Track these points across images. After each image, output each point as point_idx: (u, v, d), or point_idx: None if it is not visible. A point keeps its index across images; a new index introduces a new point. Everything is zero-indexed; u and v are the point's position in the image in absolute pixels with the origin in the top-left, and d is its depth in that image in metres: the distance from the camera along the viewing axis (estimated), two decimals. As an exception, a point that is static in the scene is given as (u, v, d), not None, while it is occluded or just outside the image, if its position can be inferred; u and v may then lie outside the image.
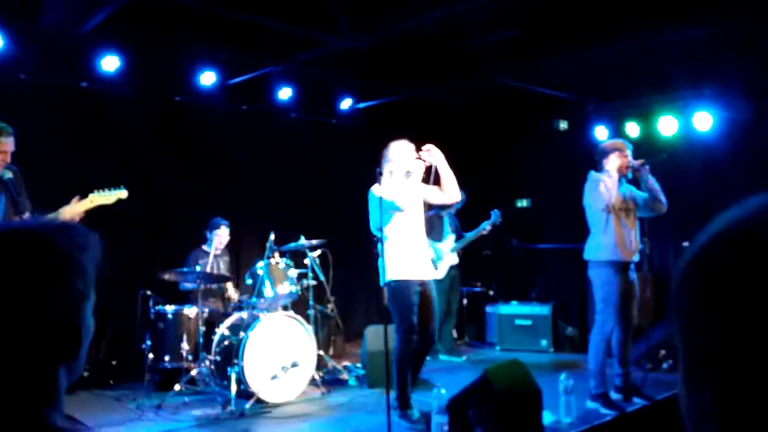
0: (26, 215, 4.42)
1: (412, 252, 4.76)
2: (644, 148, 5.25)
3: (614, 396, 5.05)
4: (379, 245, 4.76)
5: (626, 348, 5.11)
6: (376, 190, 4.67)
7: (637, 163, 4.98)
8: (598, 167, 5.07)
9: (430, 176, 4.83)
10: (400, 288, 4.68)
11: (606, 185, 4.85)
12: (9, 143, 4.21)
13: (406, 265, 4.70)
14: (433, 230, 6.83)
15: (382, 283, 4.75)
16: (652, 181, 5.00)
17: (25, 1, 5.55)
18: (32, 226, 1.03)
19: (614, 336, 5.09)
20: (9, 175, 4.32)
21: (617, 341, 5.11)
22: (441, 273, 6.93)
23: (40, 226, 1.03)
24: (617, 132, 7.98)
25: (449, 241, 7.23)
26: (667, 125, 7.54)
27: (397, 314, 4.68)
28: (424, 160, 4.77)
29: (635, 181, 5.15)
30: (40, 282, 0.97)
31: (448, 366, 6.82)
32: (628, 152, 5.01)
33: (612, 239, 4.90)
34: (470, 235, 7.32)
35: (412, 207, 4.80)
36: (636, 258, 5.03)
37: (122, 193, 4.81)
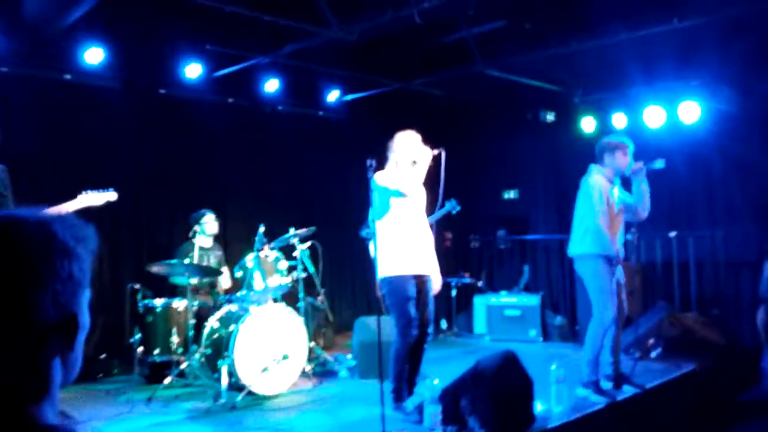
0: None
1: (413, 245, 4.60)
2: (641, 149, 5.30)
3: (605, 384, 5.09)
4: (374, 237, 4.55)
5: (617, 337, 5.15)
6: (379, 178, 4.53)
7: (636, 166, 5.05)
8: (599, 160, 5.13)
9: (439, 165, 4.66)
10: (398, 283, 4.51)
11: (602, 190, 4.92)
12: None
13: (405, 260, 4.55)
14: None
15: (378, 278, 4.56)
16: (645, 186, 5.06)
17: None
18: (32, 214, 1.02)
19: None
20: None
21: (608, 330, 5.16)
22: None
23: (40, 214, 1.02)
24: (604, 123, 8.01)
25: None
26: (654, 116, 7.58)
27: (395, 309, 4.54)
28: (432, 150, 4.63)
29: (626, 182, 5.20)
30: (37, 265, 0.95)
31: (441, 356, 6.83)
32: (629, 153, 5.10)
33: (607, 235, 4.93)
34: None
35: (416, 197, 4.67)
36: (621, 253, 5.09)
37: (111, 195, 4.81)
